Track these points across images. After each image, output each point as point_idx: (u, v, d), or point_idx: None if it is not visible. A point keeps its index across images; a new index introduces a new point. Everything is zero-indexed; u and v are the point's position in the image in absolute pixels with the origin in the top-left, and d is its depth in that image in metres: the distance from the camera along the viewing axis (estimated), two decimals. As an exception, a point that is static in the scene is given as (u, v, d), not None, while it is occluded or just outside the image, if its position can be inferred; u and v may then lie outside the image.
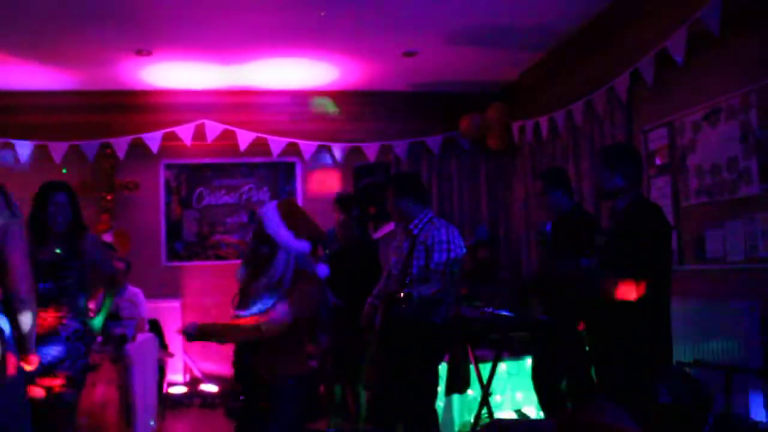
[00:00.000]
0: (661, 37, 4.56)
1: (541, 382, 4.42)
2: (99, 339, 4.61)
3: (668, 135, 4.84)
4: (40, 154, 7.08)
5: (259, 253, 3.10)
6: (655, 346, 3.33)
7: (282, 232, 3.03)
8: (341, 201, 5.31)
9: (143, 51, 6.21)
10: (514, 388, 5.01)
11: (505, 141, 7.29)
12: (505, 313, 4.37)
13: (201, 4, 5.21)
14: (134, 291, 5.96)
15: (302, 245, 3.05)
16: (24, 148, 7.06)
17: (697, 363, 3.90)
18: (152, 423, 5.53)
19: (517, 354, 4.91)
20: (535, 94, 6.98)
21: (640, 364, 3.28)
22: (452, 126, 7.47)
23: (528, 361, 4.87)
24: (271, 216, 3.08)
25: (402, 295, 3.89)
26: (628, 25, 5.20)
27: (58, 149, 7.11)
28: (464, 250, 4.15)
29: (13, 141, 7.06)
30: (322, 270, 3.21)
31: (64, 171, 7.04)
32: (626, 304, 3.29)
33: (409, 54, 6.47)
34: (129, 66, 6.63)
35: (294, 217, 3.12)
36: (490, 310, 4.43)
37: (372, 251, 5.31)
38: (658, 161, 4.98)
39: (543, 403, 4.42)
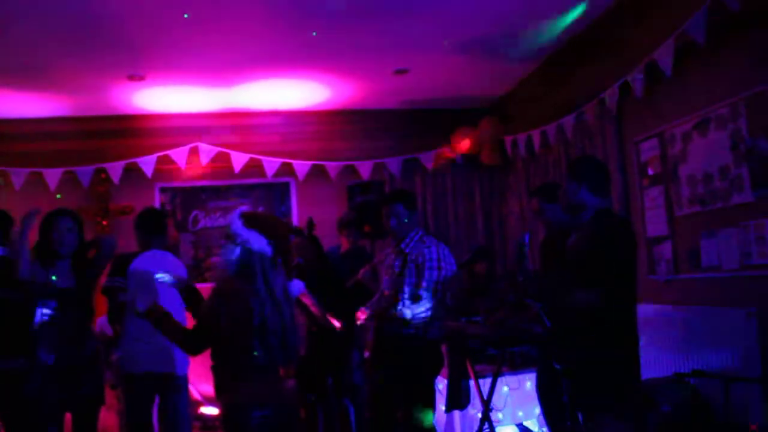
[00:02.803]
0: (649, 49, 4.60)
1: (545, 395, 4.41)
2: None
3: (659, 145, 4.88)
4: (35, 181, 7.08)
5: None
6: (620, 357, 3.34)
7: (234, 224, 3.02)
8: (295, 231, 5.39)
9: (135, 76, 6.24)
10: (515, 403, 4.99)
11: (498, 155, 7.33)
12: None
13: (192, 29, 5.25)
14: (132, 316, 5.95)
15: (251, 235, 2.98)
16: (18, 176, 7.06)
17: (696, 372, 3.91)
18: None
19: (517, 368, 4.91)
20: (526, 108, 7.02)
21: (607, 376, 3.31)
22: (445, 142, 7.50)
23: (528, 376, 4.87)
24: (235, 216, 3.08)
25: (396, 316, 3.91)
26: (617, 38, 5.24)
27: (52, 176, 7.11)
28: (455, 267, 4.17)
29: (8, 169, 7.06)
30: (296, 285, 3.17)
31: (58, 197, 7.05)
32: (590, 316, 3.31)
33: (400, 72, 6.51)
34: (122, 91, 6.65)
35: (253, 215, 3.12)
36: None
37: (329, 270, 5.28)
38: (650, 171, 5.01)
39: (547, 417, 4.41)
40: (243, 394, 2.94)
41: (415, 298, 4.01)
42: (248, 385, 2.94)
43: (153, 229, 4.66)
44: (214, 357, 3.00)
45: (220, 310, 2.92)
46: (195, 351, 3.10)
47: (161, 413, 4.31)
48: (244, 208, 3.18)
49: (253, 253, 2.97)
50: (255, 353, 2.93)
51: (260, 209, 7.60)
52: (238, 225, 3.01)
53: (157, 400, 4.30)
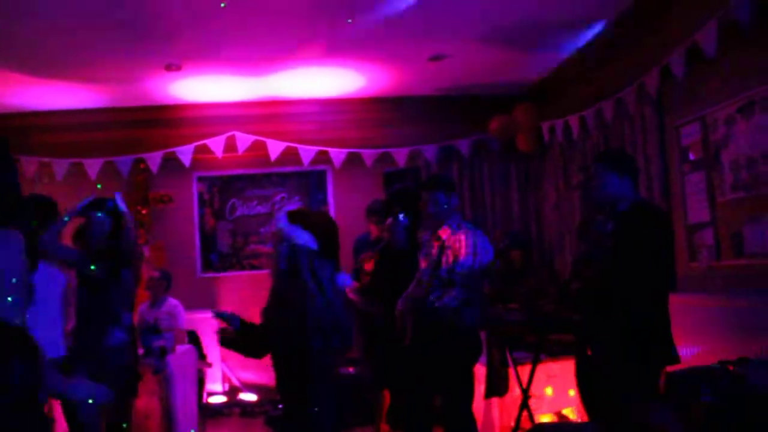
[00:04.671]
0: (691, 31, 4.51)
1: (583, 382, 4.38)
2: (141, 351, 4.72)
3: (701, 130, 4.79)
4: (76, 171, 7.20)
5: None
6: (655, 345, 3.43)
7: (282, 223, 3.12)
8: (377, 211, 5.31)
9: (172, 66, 6.30)
10: (553, 390, 4.97)
11: (534, 142, 7.26)
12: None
13: (228, 18, 5.27)
14: (173, 303, 6.03)
15: (295, 231, 3.08)
16: (60, 166, 7.18)
17: (742, 360, 3.84)
18: (193, 431, 5.60)
19: (555, 355, 4.88)
20: (564, 93, 6.94)
21: (643, 364, 3.41)
22: (481, 128, 7.45)
23: (567, 363, 4.84)
24: (281, 215, 3.19)
25: (434, 302, 3.93)
26: (657, 21, 5.15)
27: (93, 166, 7.24)
28: (491, 255, 4.15)
29: (50, 159, 7.19)
30: (342, 278, 3.25)
31: (99, 187, 7.17)
32: (626, 306, 3.34)
33: (435, 58, 6.47)
34: (159, 81, 6.72)
35: (299, 213, 3.22)
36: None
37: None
38: (691, 157, 4.92)
39: (586, 404, 4.38)
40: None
41: (451, 285, 4.00)
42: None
43: None
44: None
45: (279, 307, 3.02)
46: (262, 355, 3.19)
47: None
48: (290, 207, 3.28)
49: (298, 248, 3.04)
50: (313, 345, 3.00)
51: (296, 199, 7.66)
52: (283, 223, 3.11)
53: None
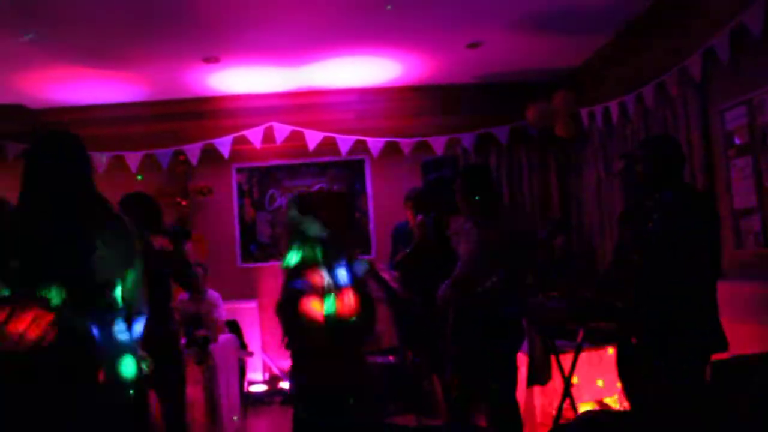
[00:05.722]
0: (735, 12, 4.40)
1: (626, 371, 4.34)
2: (183, 341, 4.80)
3: (747, 113, 4.67)
4: (117, 164, 7.31)
5: None
6: (701, 332, 3.41)
7: (290, 211, 3.12)
8: (415, 200, 5.30)
9: (211, 58, 6.35)
10: (596, 379, 4.93)
11: (573, 128, 7.17)
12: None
13: (265, 9, 5.29)
14: (215, 295, 6.12)
15: (307, 220, 3.07)
16: (101, 159, 7.29)
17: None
18: (235, 419, 5.67)
19: (598, 344, 4.83)
20: (603, 78, 6.83)
21: (689, 352, 3.39)
22: (519, 116, 7.38)
23: (609, 351, 4.79)
24: (289, 202, 3.20)
25: (476, 290, 3.91)
26: (699, 2, 5.04)
27: (133, 159, 7.35)
28: (530, 241, 4.14)
29: (91, 153, 7.27)
30: (359, 266, 3.27)
31: (139, 178, 7.28)
32: (672, 293, 3.32)
33: (473, 45, 6.43)
34: (198, 74, 6.78)
35: (308, 198, 3.27)
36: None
37: (448, 249, 5.27)
38: (737, 141, 4.81)
39: (628, 393, 4.34)
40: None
41: (491, 271, 3.98)
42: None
43: None
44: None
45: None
46: None
47: None
48: (298, 192, 3.28)
49: (310, 238, 3.02)
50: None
51: (335, 187, 7.68)
52: (293, 212, 3.09)
53: None
